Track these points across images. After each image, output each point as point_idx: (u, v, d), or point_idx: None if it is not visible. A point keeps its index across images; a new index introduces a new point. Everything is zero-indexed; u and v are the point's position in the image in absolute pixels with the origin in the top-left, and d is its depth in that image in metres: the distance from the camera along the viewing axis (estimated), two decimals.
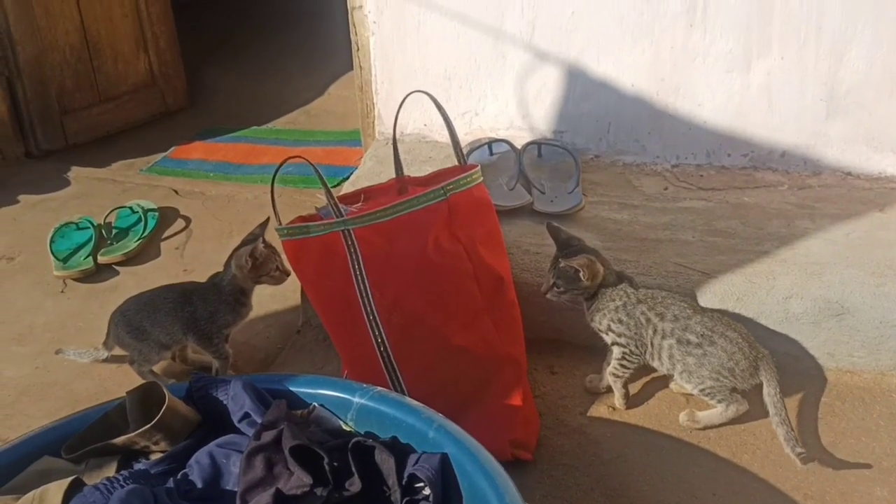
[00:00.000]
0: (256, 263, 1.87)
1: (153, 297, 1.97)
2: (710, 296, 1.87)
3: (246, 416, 1.31)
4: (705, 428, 1.73)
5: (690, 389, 1.72)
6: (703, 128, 2.35)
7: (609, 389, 1.83)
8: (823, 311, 1.81)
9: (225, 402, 1.33)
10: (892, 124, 2.22)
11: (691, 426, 1.73)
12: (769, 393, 1.66)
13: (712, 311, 1.76)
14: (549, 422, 1.78)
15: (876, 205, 2.14)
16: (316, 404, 1.37)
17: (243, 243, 1.90)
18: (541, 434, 1.74)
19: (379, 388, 1.36)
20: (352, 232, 1.63)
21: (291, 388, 1.38)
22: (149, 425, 1.24)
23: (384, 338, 1.64)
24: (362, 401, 1.35)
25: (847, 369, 1.83)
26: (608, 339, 1.76)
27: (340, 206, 1.68)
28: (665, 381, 1.85)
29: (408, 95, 1.81)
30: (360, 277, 1.63)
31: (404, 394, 1.64)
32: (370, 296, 1.63)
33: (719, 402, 1.70)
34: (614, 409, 1.80)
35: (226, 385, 1.34)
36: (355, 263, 1.63)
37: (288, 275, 1.88)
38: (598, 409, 1.81)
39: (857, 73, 2.18)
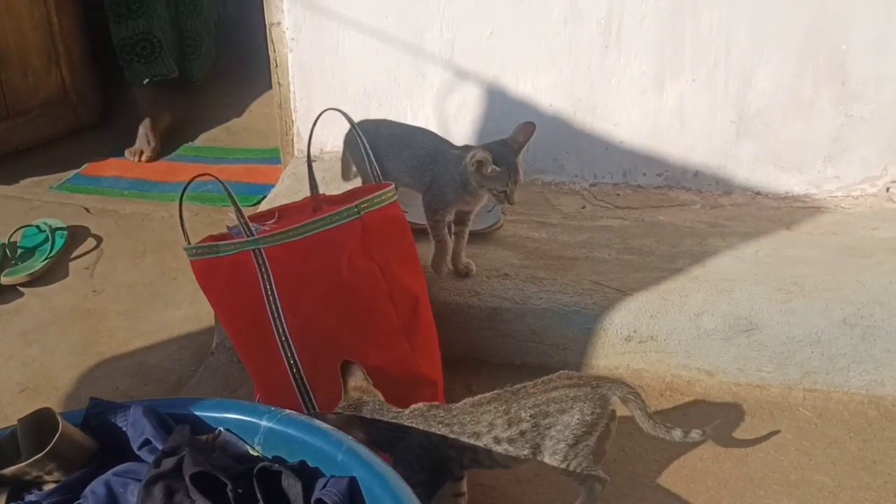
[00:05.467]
0: None
1: None
2: (625, 313, 1.89)
3: (146, 442, 1.26)
4: None
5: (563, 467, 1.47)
6: (619, 147, 2.39)
7: None
8: (733, 326, 1.84)
9: (124, 429, 1.28)
10: (797, 145, 2.29)
11: None
12: (637, 415, 1.49)
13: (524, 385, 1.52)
14: None
15: (783, 223, 2.20)
16: (222, 429, 1.32)
17: None
18: None
19: (287, 410, 1.33)
20: (263, 251, 1.59)
21: (196, 413, 1.34)
22: (40, 455, 1.18)
23: (297, 359, 1.60)
24: (270, 424, 1.31)
25: (756, 384, 1.86)
26: None
27: (252, 224, 1.64)
28: None
29: (322, 113, 1.79)
30: (271, 298, 1.59)
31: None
32: (282, 316, 1.59)
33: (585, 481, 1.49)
34: None
35: (125, 411, 1.29)
36: (267, 283, 1.59)
37: None
38: None
39: (765, 95, 2.25)
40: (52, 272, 2.44)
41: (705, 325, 1.86)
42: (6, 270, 2.38)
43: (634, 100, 2.33)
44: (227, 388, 1.96)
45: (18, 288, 2.36)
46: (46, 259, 2.43)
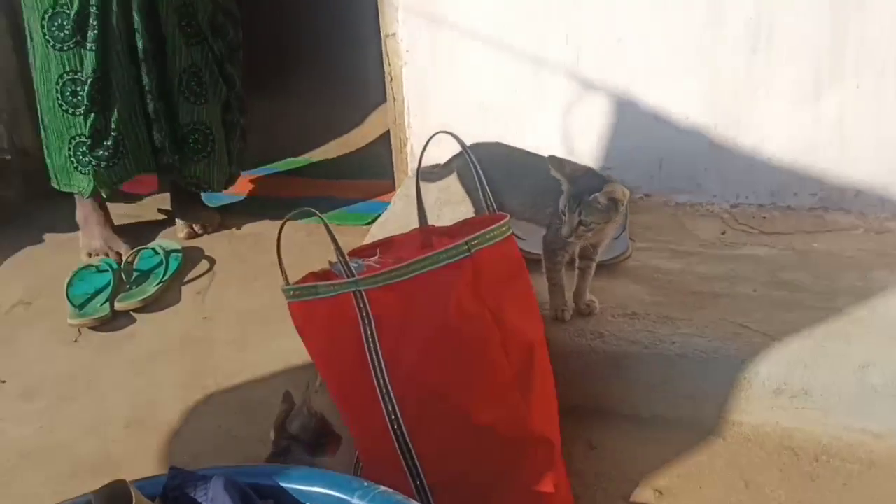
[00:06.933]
0: None
1: None
2: (774, 362, 1.65)
3: None
4: None
5: None
6: (766, 164, 2.13)
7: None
8: None
9: None
10: None
11: None
12: None
13: None
14: None
15: None
16: None
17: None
18: None
19: (382, 488, 1.18)
20: (364, 293, 1.45)
21: (282, 484, 1.21)
22: None
23: (398, 414, 1.45)
24: (361, 502, 1.17)
25: None
26: None
27: (353, 261, 1.51)
28: (725, 463, 1.63)
29: (432, 136, 1.63)
30: (372, 345, 1.45)
31: (421, 478, 1.46)
32: (383, 366, 1.45)
33: None
34: (661, 493, 1.59)
35: (206, 484, 1.18)
36: (367, 329, 1.45)
37: None
38: (643, 494, 1.59)
39: None
40: (165, 297, 2.40)
41: (873, 378, 1.59)
42: (120, 295, 2.35)
43: (786, 111, 2.07)
44: None
45: (131, 313, 2.34)
46: (160, 283, 2.40)
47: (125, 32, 2.32)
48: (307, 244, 2.54)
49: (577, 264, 1.77)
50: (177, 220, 2.71)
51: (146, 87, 2.40)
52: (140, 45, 2.35)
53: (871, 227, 2.05)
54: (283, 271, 1.58)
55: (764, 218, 2.13)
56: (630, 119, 2.21)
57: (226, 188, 2.75)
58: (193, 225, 2.69)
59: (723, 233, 2.08)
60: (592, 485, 1.62)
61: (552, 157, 1.68)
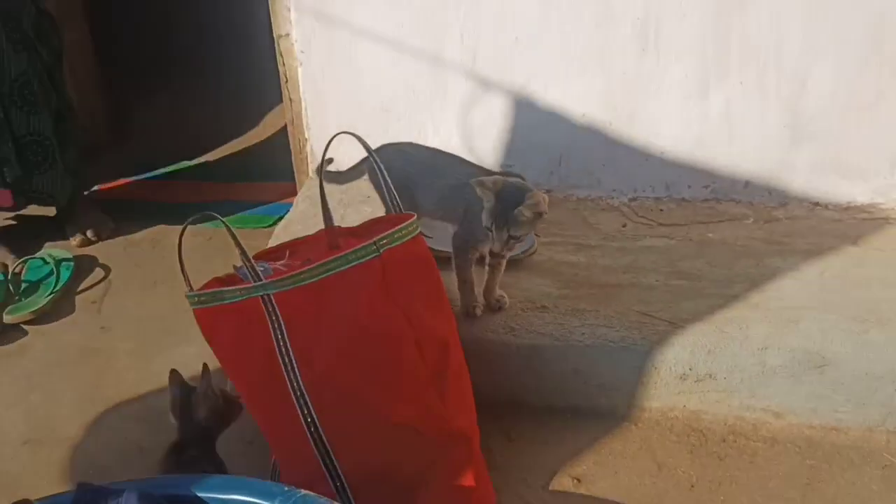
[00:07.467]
0: None
1: None
2: (679, 348, 1.70)
3: None
4: None
5: None
6: (660, 158, 2.20)
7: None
8: (803, 363, 1.65)
9: None
10: (860, 150, 2.09)
11: None
12: None
13: None
14: (508, 498, 1.60)
15: (848, 238, 2.00)
16: None
17: None
18: None
19: (303, 491, 1.16)
20: (272, 297, 1.42)
21: (199, 493, 1.17)
22: None
23: (314, 417, 1.42)
24: None
25: (832, 426, 1.67)
26: None
27: (260, 264, 1.48)
28: (638, 448, 1.67)
29: (333, 137, 1.61)
30: (283, 349, 1.42)
31: (341, 479, 1.44)
32: (296, 370, 1.42)
33: None
34: (579, 481, 1.62)
35: (117, 498, 1.13)
36: (278, 333, 1.42)
37: None
38: (562, 482, 1.62)
39: (822, 97, 2.05)
40: (58, 308, 2.29)
41: (771, 360, 1.66)
42: (9, 308, 2.23)
43: (676, 107, 2.13)
44: (242, 439, 1.78)
45: (22, 326, 2.22)
46: (51, 294, 2.29)
47: None
48: (208, 249, 2.47)
49: (487, 261, 1.78)
50: (67, 229, 2.58)
51: None
52: None
53: (760, 216, 2.14)
54: (186, 277, 1.53)
55: (661, 210, 2.20)
56: (529, 117, 2.24)
57: (69, 202, 2.59)
58: (87, 232, 2.57)
59: (623, 226, 2.14)
60: (514, 476, 1.63)
61: (475, 181, 1.65)
